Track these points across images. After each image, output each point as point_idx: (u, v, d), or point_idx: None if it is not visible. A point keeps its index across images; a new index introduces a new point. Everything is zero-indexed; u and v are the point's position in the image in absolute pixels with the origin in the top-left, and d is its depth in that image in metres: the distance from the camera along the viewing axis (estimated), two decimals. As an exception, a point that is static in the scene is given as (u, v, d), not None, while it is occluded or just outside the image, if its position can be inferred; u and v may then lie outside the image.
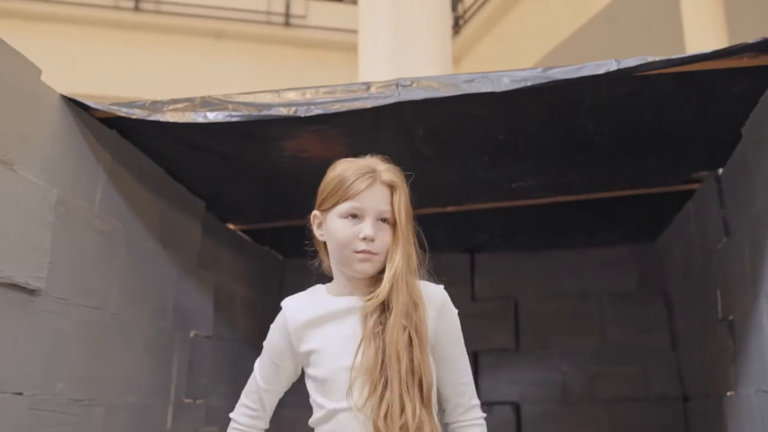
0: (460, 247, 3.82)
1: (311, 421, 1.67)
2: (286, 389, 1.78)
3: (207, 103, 1.95)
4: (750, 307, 2.27)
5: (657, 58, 1.77)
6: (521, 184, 2.60)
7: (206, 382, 2.84)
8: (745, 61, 1.83)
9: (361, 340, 1.62)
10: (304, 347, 1.68)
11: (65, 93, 1.94)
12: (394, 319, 1.61)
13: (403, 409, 1.56)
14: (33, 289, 1.80)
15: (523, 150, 2.27)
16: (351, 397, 1.57)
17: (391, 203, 1.66)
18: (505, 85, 1.79)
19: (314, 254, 1.78)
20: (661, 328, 3.57)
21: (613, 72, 1.77)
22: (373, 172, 1.67)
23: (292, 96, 1.91)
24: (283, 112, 1.90)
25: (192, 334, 2.72)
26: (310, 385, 1.67)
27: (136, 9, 8.04)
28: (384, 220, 1.65)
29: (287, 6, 8.40)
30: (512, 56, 7.88)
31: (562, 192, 2.81)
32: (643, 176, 2.71)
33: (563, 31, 7.04)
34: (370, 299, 1.64)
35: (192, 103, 1.95)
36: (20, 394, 1.77)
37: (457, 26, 8.62)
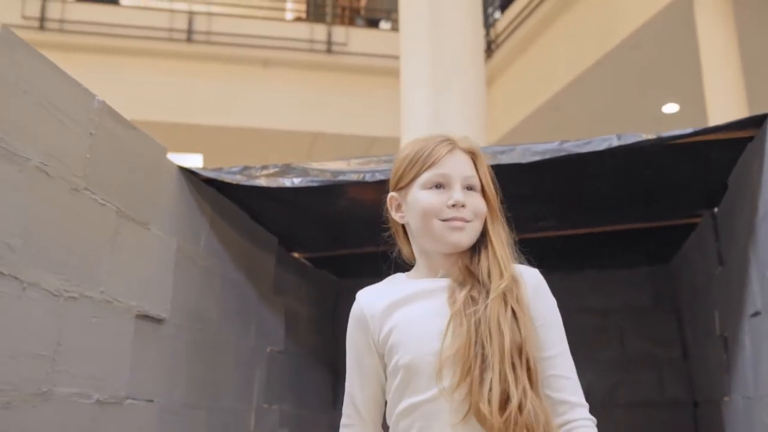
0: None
1: (388, 418, 1.55)
2: (382, 394, 1.59)
3: (291, 170, 2.45)
4: (737, 327, 2.71)
5: (651, 136, 2.23)
6: (545, 223, 3.08)
7: (279, 391, 3.34)
8: (722, 135, 2.29)
9: (450, 318, 1.46)
10: (383, 333, 1.54)
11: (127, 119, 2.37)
12: (495, 289, 1.47)
13: (507, 391, 1.39)
14: (160, 318, 2.30)
15: (544, 200, 2.74)
16: (441, 381, 1.41)
17: (476, 171, 1.58)
18: (528, 156, 2.27)
19: (392, 243, 1.70)
20: (674, 340, 4.00)
21: (615, 147, 2.24)
22: (450, 141, 1.59)
23: (359, 164, 2.41)
24: (353, 177, 2.39)
25: (268, 349, 3.22)
26: (389, 379, 1.54)
27: (189, 40, 8.62)
28: (470, 188, 1.56)
29: (329, 34, 8.92)
30: (542, 79, 8.32)
31: (581, 226, 3.28)
32: (651, 214, 3.17)
33: (591, 56, 7.46)
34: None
35: (280, 170, 2.45)
36: (151, 401, 2.27)
37: (489, 50, 9.09)
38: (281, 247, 3.44)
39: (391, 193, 1.62)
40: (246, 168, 2.50)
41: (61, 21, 8.23)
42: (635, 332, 4.12)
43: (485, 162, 1.60)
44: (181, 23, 8.73)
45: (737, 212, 2.65)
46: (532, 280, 1.56)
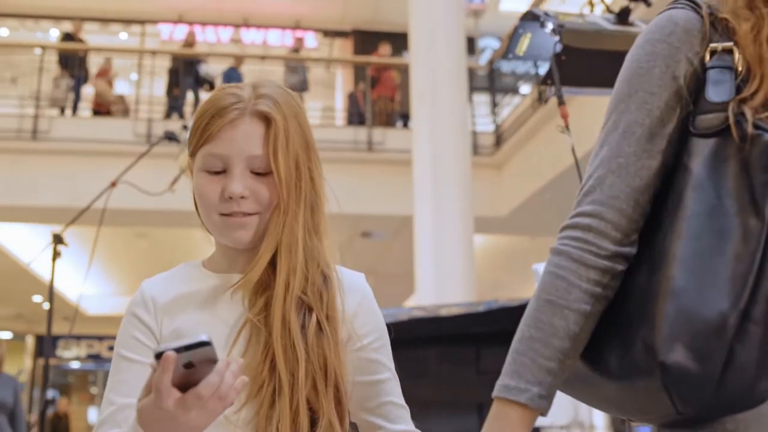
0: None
1: None
2: None
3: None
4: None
5: (515, 304, 4.36)
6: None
7: None
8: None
9: (242, 327, 1.20)
10: (165, 330, 1.24)
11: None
12: (289, 292, 1.18)
13: (299, 422, 1.14)
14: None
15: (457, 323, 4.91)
16: None
17: (270, 143, 1.21)
18: (442, 312, 4.42)
19: None
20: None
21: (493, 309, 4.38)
22: (239, 102, 1.22)
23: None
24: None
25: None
26: None
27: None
28: (259, 170, 1.22)
29: (369, 135, 11.14)
30: (541, 167, 10.40)
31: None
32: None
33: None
34: (242, 279, 1.20)
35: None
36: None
37: (498, 144, 11.26)
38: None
39: (189, 158, 1.29)
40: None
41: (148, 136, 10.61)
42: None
43: (293, 124, 1.24)
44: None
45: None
46: (355, 287, 1.31)
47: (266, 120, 1.22)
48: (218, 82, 12.08)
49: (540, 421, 2.99)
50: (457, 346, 6.28)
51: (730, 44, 1.17)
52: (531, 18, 2.56)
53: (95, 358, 21.20)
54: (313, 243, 1.26)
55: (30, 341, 20.58)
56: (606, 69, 2.61)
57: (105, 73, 12.23)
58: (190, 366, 0.98)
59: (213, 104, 1.23)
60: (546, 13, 2.41)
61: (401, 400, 1.33)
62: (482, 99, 13.09)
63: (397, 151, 10.86)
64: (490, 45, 15.26)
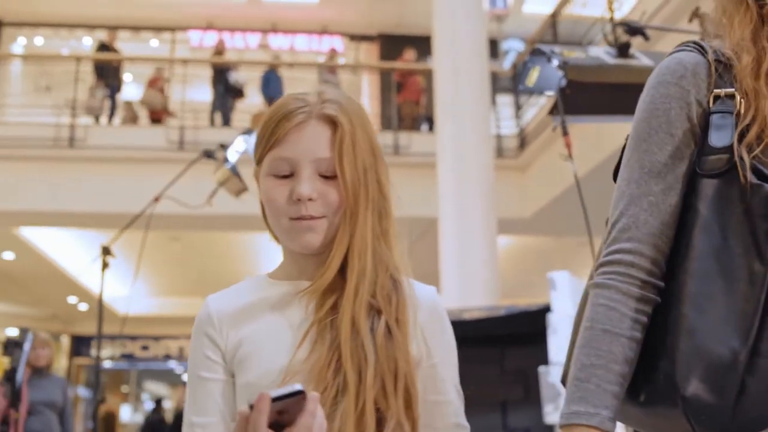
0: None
1: None
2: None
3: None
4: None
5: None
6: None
7: None
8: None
9: (308, 329, 1.20)
10: (231, 344, 1.22)
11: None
12: (358, 296, 1.18)
13: (365, 423, 1.12)
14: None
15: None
16: None
17: (338, 146, 1.21)
18: (464, 315, 4.65)
19: None
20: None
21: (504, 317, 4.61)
22: (306, 106, 1.24)
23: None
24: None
25: None
26: (237, 399, 1.20)
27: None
28: (326, 173, 1.22)
29: (396, 139, 11.38)
30: (563, 169, 10.58)
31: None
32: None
33: (597, 157, 9.71)
34: (312, 284, 1.21)
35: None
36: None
37: (522, 146, 11.46)
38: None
39: (255, 166, 1.31)
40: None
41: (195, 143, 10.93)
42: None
43: (359, 129, 1.25)
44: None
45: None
46: (427, 300, 1.30)
47: (333, 123, 1.23)
48: (248, 89, 12.37)
49: (553, 419, 3.31)
50: (481, 347, 6.48)
51: (732, 90, 1.26)
52: (539, 54, 2.81)
53: (128, 357, 21.59)
54: (381, 248, 1.25)
55: (65, 341, 21.04)
56: (608, 99, 2.83)
57: (156, 81, 12.49)
58: (283, 412, 1.02)
59: (280, 109, 1.25)
60: (552, 50, 2.65)
61: (465, 421, 1.34)
62: (506, 100, 13.25)
63: (423, 154, 11.05)
64: (513, 47, 15.39)
